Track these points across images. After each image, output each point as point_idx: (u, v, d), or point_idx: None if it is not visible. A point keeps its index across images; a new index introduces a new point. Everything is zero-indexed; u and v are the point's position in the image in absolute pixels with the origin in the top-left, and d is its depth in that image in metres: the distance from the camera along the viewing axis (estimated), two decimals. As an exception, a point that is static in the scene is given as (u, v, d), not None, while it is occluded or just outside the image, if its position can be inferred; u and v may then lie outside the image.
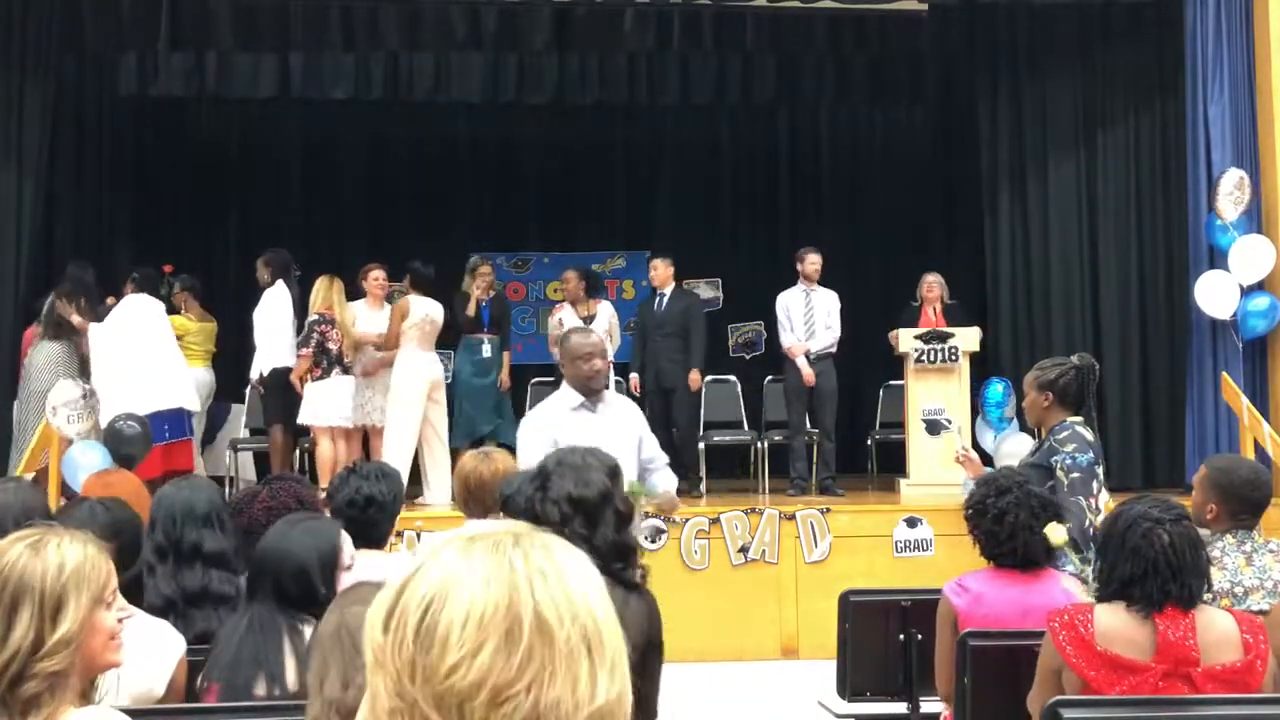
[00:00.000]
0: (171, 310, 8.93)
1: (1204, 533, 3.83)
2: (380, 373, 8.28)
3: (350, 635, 2.03)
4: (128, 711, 2.18)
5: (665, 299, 8.93)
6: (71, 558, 2.05)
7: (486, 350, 8.81)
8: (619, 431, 4.66)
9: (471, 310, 8.87)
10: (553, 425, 4.63)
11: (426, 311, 8.28)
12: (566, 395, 4.82)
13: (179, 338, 8.83)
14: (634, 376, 8.83)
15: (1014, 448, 7.67)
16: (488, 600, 1.10)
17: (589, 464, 2.95)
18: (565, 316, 8.91)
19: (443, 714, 1.08)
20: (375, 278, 8.49)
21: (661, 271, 9.02)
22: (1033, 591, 3.51)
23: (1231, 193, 8.00)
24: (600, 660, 1.11)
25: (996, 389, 8.38)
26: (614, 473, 2.99)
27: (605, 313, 9.03)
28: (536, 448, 4.35)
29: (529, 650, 1.08)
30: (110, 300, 8.85)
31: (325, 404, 8.09)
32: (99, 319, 8.04)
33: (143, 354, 7.95)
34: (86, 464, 6.71)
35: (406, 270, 8.49)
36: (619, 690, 1.12)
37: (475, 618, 1.09)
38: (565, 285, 9.11)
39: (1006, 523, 3.53)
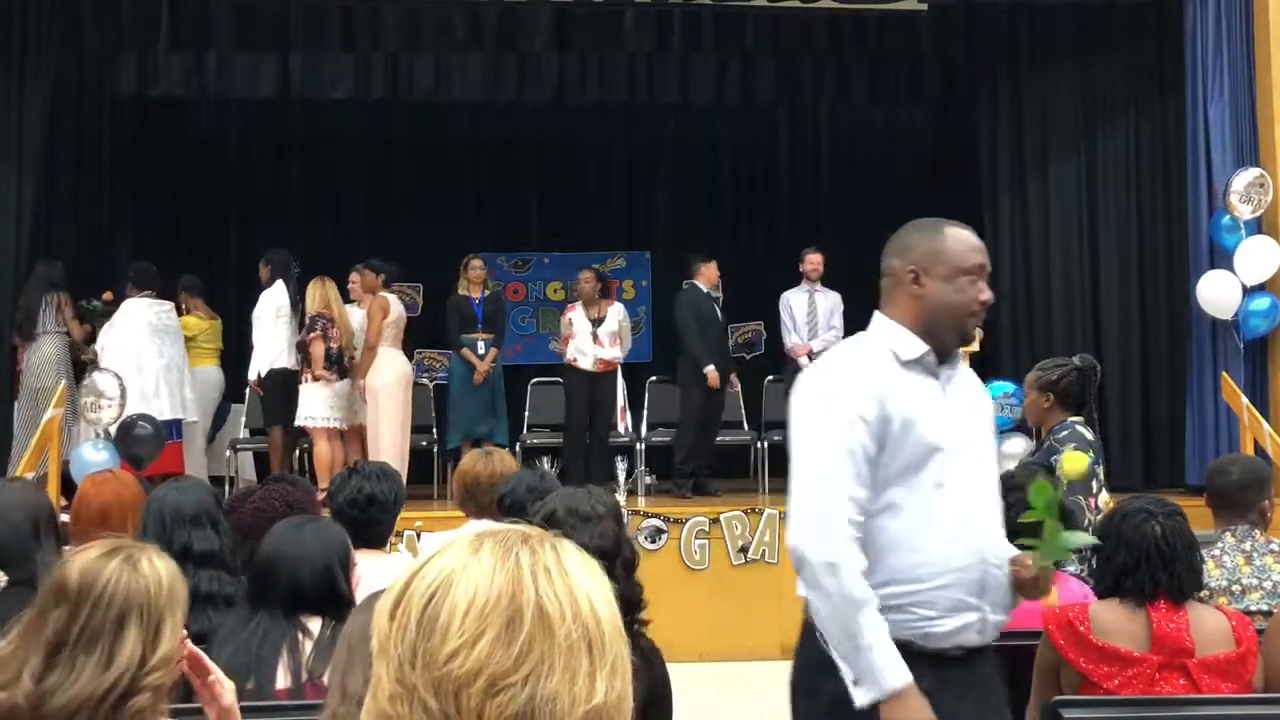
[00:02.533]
0: (179, 312, 9.01)
1: (1208, 532, 3.86)
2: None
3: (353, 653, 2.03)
4: None
5: (717, 300, 9.01)
6: (166, 574, 2.08)
7: (481, 348, 8.82)
8: (973, 419, 2.73)
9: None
10: (881, 390, 2.58)
11: (400, 310, 8.46)
12: (896, 339, 2.69)
13: (191, 338, 8.91)
14: (711, 370, 8.67)
15: (1012, 449, 7.66)
16: (490, 590, 1.11)
17: (598, 512, 2.80)
18: (575, 317, 8.93)
19: (440, 700, 1.09)
20: (353, 278, 8.57)
21: (717, 272, 9.05)
22: None
23: (1243, 190, 7.96)
24: (600, 660, 1.12)
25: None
26: (618, 516, 2.86)
27: (615, 314, 9.02)
28: (849, 431, 2.51)
29: (528, 642, 1.09)
30: (108, 296, 8.88)
31: (322, 405, 8.10)
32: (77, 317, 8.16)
33: (148, 359, 7.99)
34: (96, 462, 6.72)
35: (376, 269, 8.48)
36: (619, 693, 1.12)
37: (477, 607, 1.10)
38: (581, 285, 9.06)
39: (1009, 519, 3.54)
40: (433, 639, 1.10)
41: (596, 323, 8.87)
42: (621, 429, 8.95)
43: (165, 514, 3.38)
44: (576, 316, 8.92)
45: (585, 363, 8.81)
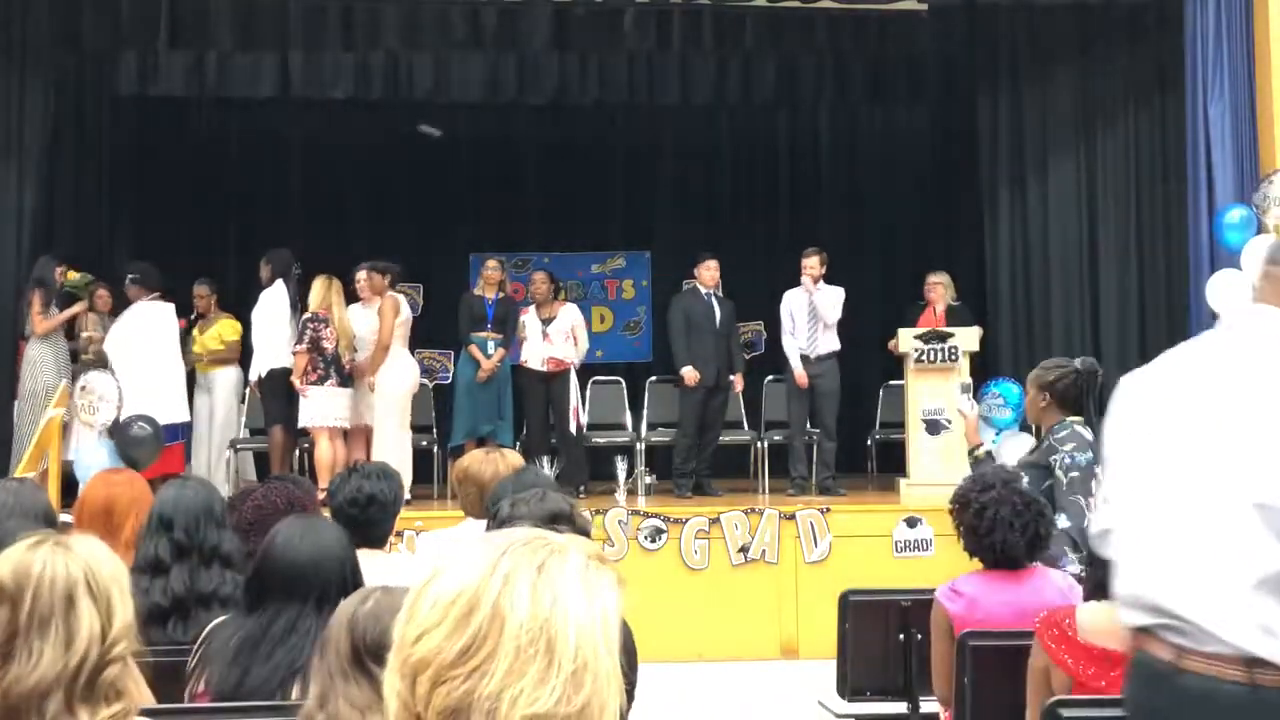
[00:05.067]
0: (196, 314, 9.08)
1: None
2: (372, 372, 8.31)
3: (339, 643, 2.04)
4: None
5: (715, 299, 8.99)
6: (100, 551, 2.09)
7: (490, 349, 8.83)
8: None
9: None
10: None
11: (408, 310, 8.49)
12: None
13: (234, 341, 8.98)
14: (688, 370, 8.75)
15: (1014, 448, 7.66)
16: (461, 584, 1.14)
17: (518, 514, 2.86)
18: (527, 319, 8.98)
19: (404, 683, 1.13)
20: (359, 278, 8.54)
21: (716, 272, 9.03)
22: (1025, 591, 3.54)
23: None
24: (557, 669, 1.11)
25: (1012, 390, 8.31)
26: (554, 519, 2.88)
27: (568, 315, 9.06)
28: None
29: (477, 639, 1.11)
30: (103, 294, 8.88)
31: (324, 405, 8.10)
32: (49, 313, 8.14)
33: (152, 363, 8.01)
34: (95, 463, 6.72)
35: (382, 270, 8.50)
36: (578, 706, 1.12)
37: (445, 598, 1.13)
38: (535, 285, 9.19)
39: (986, 517, 3.56)
40: (408, 623, 1.15)
41: (547, 323, 8.93)
42: (573, 428, 8.88)
43: (197, 512, 3.39)
44: (529, 318, 9.00)
45: (535, 363, 8.86)
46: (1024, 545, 3.57)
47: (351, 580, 2.86)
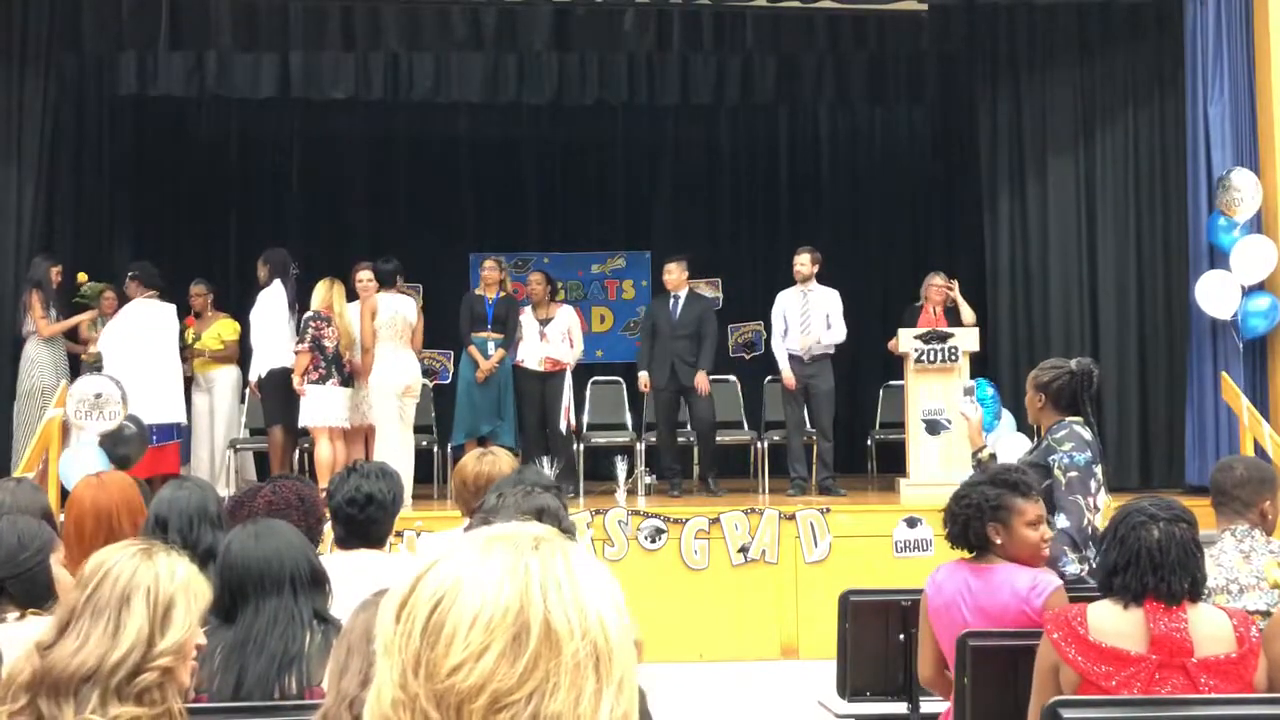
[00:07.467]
0: (194, 313, 9.08)
1: (1209, 532, 3.87)
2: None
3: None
4: None
5: (680, 301, 8.95)
6: (183, 569, 2.22)
7: (490, 349, 8.83)
8: None
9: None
10: None
11: (396, 309, 8.30)
12: None
13: (234, 341, 8.98)
14: (643, 375, 8.87)
15: (1010, 448, 7.66)
16: (498, 602, 1.08)
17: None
18: (524, 319, 8.99)
19: (441, 712, 1.06)
20: (359, 278, 8.49)
21: (676, 275, 8.99)
22: (982, 585, 3.57)
23: (1240, 192, 7.97)
24: (607, 678, 1.08)
25: (985, 390, 8.30)
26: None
27: (565, 316, 9.08)
28: None
29: (534, 659, 1.06)
30: (109, 295, 8.89)
31: (324, 405, 8.09)
32: (50, 314, 8.12)
33: (147, 362, 8.00)
34: (82, 464, 6.70)
35: (371, 269, 8.48)
36: (624, 711, 1.10)
37: (483, 619, 1.07)
38: (532, 286, 9.19)
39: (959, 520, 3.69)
40: (436, 649, 1.07)
41: (544, 323, 8.95)
42: (562, 427, 8.86)
43: (192, 513, 3.39)
44: (525, 318, 9.00)
45: (532, 363, 8.87)
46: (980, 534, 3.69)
47: (316, 565, 2.91)
